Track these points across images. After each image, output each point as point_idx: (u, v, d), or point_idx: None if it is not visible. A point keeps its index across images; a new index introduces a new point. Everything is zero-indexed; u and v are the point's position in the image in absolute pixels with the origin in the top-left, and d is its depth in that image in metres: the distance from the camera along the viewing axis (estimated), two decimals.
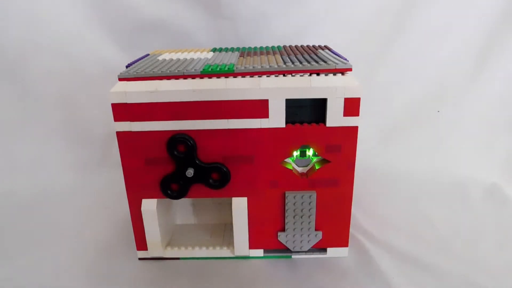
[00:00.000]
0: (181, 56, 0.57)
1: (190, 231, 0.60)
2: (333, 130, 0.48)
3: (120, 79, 0.48)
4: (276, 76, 0.47)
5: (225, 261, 0.55)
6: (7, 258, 0.57)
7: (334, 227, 0.53)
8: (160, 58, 0.56)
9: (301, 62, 0.49)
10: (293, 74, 0.47)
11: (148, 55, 0.60)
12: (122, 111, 0.47)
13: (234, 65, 0.49)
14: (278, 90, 0.46)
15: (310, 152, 0.50)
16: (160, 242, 0.54)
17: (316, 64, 0.48)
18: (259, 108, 0.47)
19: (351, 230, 0.54)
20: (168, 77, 0.47)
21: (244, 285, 0.51)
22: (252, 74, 0.47)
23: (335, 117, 0.47)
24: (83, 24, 0.77)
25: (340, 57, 0.52)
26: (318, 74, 0.47)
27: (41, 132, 0.83)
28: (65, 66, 0.79)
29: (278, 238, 0.54)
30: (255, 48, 0.65)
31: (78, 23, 0.77)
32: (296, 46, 0.62)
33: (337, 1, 0.78)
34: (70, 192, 0.75)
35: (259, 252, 0.55)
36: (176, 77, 0.48)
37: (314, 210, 0.52)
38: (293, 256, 0.56)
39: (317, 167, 0.50)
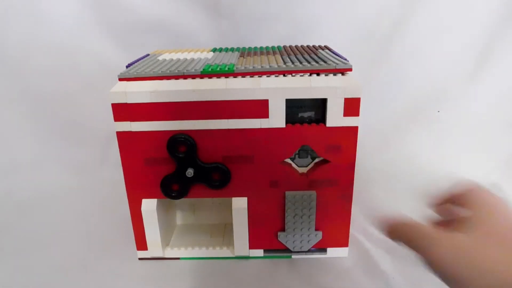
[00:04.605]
0: (181, 56, 0.57)
1: (190, 231, 0.60)
2: (333, 130, 0.48)
3: (120, 79, 0.48)
4: (276, 76, 0.47)
5: (225, 261, 0.55)
6: (7, 258, 0.57)
7: (334, 227, 0.53)
8: (160, 58, 0.56)
9: (301, 62, 0.49)
10: (293, 74, 0.47)
11: (148, 55, 0.60)
12: (122, 111, 0.47)
13: (234, 65, 0.49)
14: (278, 90, 0.46)
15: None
16: (160, 242, 0.54)
17: (316, 64, 0.48)
18: (259, 108, 0.47)
19: (351, 230, 0.54)
20: (168, 77, 0.47)
21: (244, 285, 0.51)
22: (252, 74, 0.47)
23: (335, 117, 0.47)
24: (83, 24, 0.77)
25: (340, 57, 0.52)
26: (318, 74, 0.47)
27: (40, 132, 0.83)
28: (65, 66, 0.79)
29: (278, 238, 0.54)
30: (255, 48, 0.65)
31: (78, 23, 0.77)
32: (296, 46, 0.62)
33: (337, 1, 0.78)
34: (70, 192, 0.75)
35: (259, 252, 0.55)
36: (176, 77, 0.47)
37: (314, 210, 0.52)
38: (293, 256, 0.56)
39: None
